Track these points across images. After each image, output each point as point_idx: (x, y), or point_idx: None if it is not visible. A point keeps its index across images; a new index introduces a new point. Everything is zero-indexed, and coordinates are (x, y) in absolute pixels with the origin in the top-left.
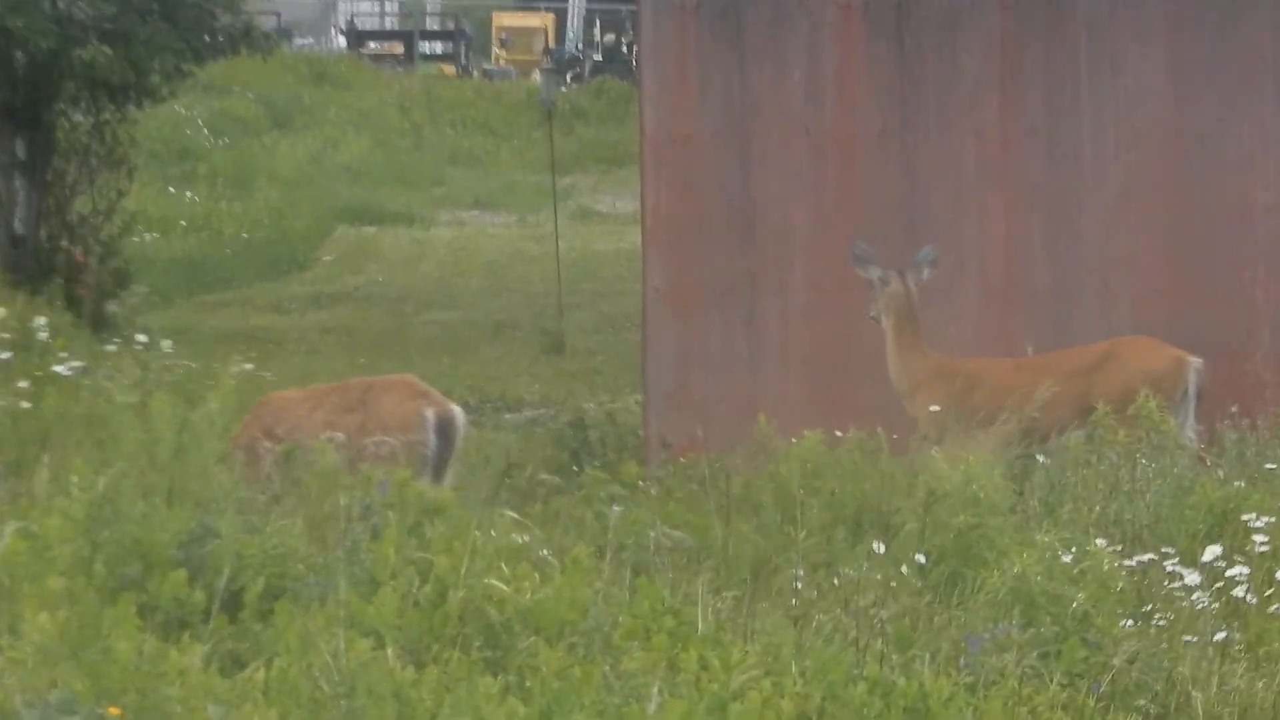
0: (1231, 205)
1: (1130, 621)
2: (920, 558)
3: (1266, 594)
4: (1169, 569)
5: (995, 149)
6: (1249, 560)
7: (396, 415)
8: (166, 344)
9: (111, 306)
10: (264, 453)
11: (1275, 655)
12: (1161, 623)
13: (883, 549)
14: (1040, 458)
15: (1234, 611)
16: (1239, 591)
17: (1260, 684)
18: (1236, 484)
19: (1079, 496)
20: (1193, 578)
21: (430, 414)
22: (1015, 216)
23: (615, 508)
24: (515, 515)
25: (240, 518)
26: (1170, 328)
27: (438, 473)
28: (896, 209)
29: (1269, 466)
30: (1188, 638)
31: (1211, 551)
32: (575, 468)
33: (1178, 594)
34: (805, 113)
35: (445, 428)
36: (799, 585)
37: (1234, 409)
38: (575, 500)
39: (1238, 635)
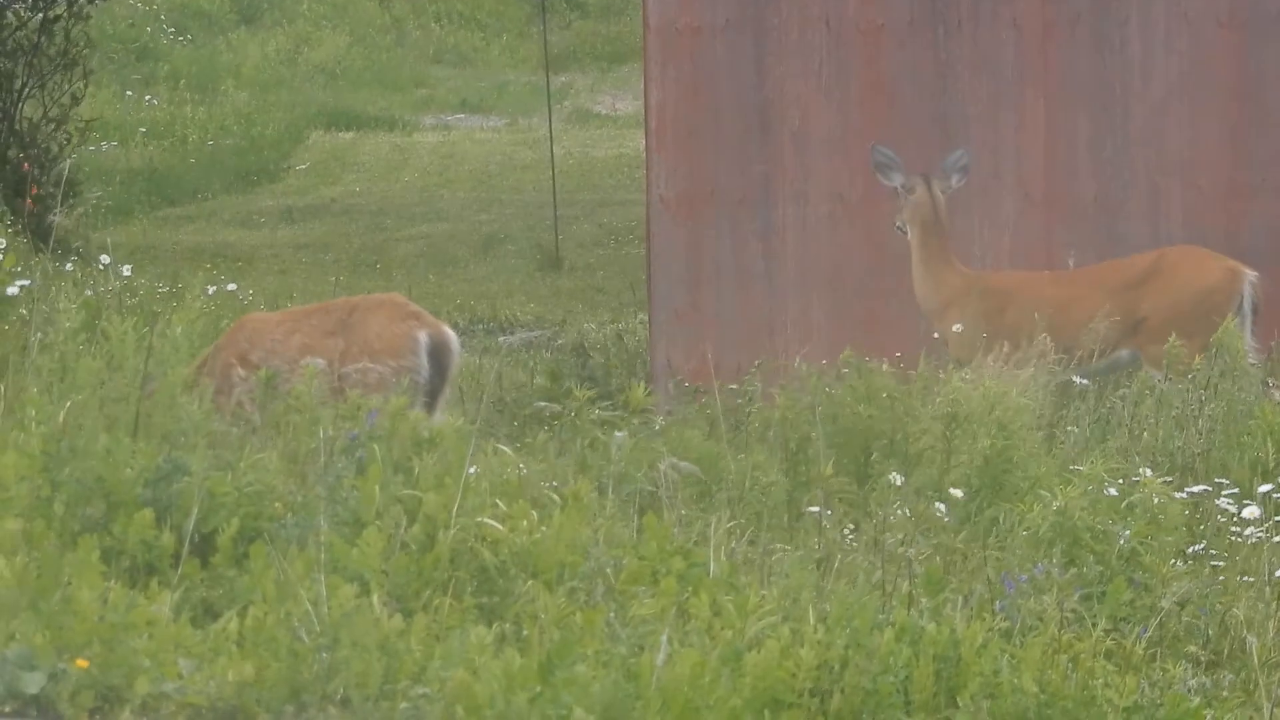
0: None
1: (1181, 560)
2: (957, 492)
3: None
4: (1223, 503)
5: (1035, 41)
6: None
7: (384, 338)
8: (125, 269)
9: (56, 218)
10: (237, 380)
11: None
12: (1216, 562)
13: (899, 480)
14: (1080, 380)
15: None
16: None
17: None
18: None
19: (1125, 422)
20: (1250, 511)
21: (423, 337)
22: (1057, 116)
23: (619, 434)
24: (509, 448)
25: (212, 453)
26: (1225, 237)
27: (430, 402)
28: (927, 109)
29: None
30: (1244, 577)
31: (1264, 488)
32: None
33: (1233, 529)
34: (826, 1)
35: (439, 352)
36: (824, 523)
37: None
38: (574, 429)
39: None
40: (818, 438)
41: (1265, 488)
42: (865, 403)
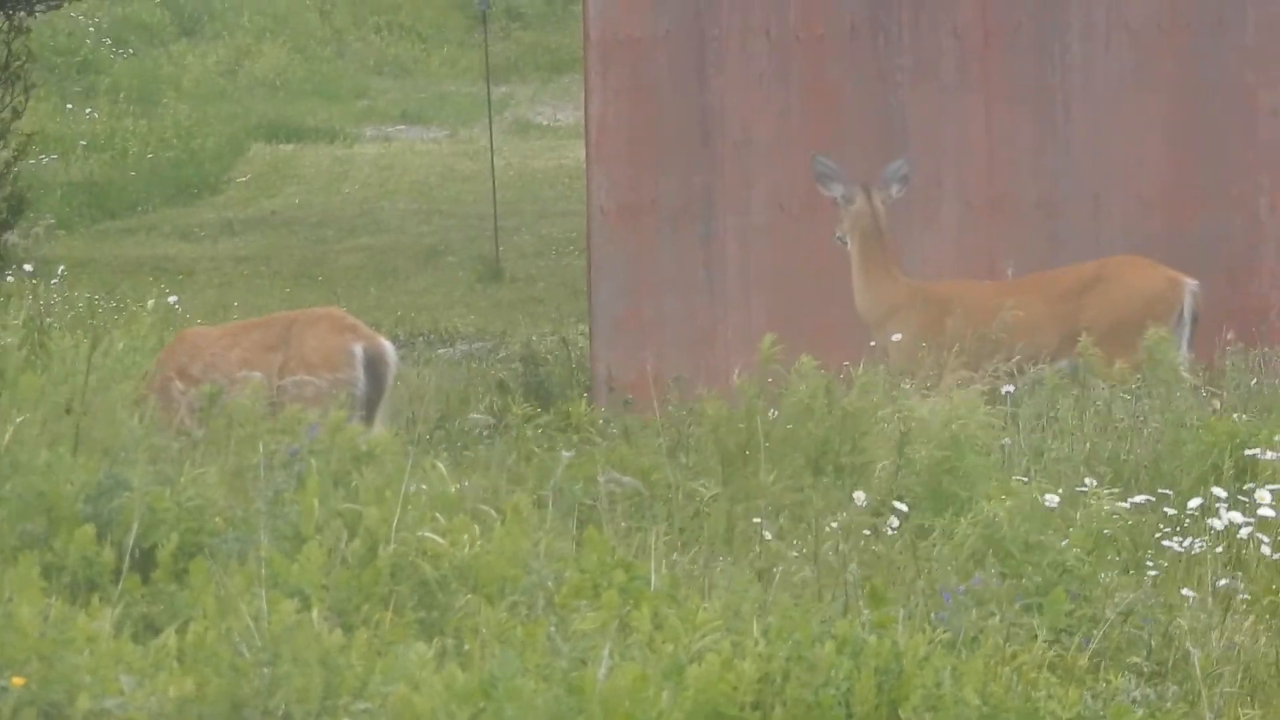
0: (1234, 107)
1: (1123, 571)
2: (901, 505)
3: (1276, 537)
4: (1167, 513)
5: (976, 49)
6: (1249, 509)
7: (321, 352)
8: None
9: (11, 237)
10: (177, 395)
11: None
12: (1157, 572)
13: (863, 499)
14: (1008, 388)
15: (1236, 560)
16: (1243, 534)
17: (1264, 639)
18: (1240, 417)
19: (1067, 433)
20: (1190, 518)
21: (358, 349)
22: (998, 123)
23: (565, 452)
24: (448, 462)
25: (153, 468)
26: (1167, 244)
27: (367, 415)
28: (868, 117)
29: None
30: (1186, 591)
31: (1213, 494)
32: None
33: (1175, 540)
34: (766, 11)
35: (375, 365)
36: (764, 535)
37: (1229, 335)
38: (513, 443)
39: (1241, 585)
40: (759, 448)
41: (1196, 502)
42: (815, 414)
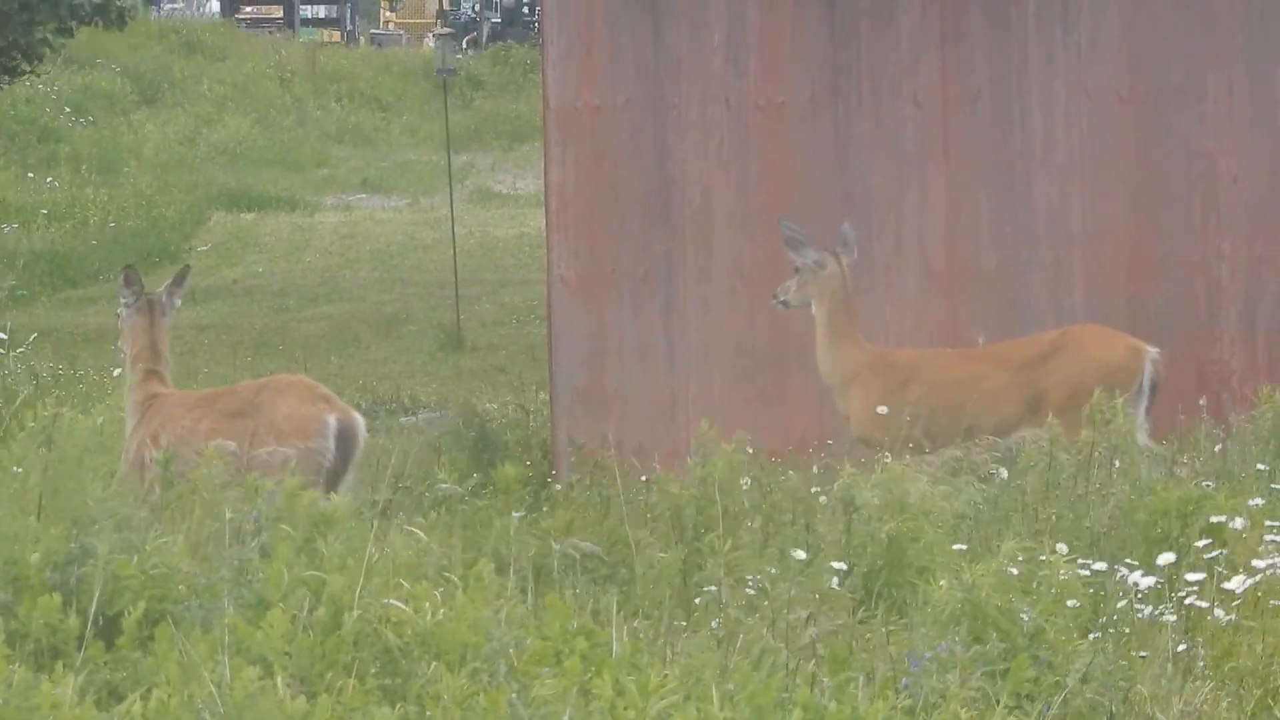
0: (1194, 175)
1: (1085, 637)
2: (841, 565)
3: (1234, 604)
4: (1126, 579)
5: (935, 117)
6: (1206, 567)
7: (294, 420)
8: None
9: None
10: (149, 461)
11: (1242, 672)
12: (1118, 638)
13: (803, 555)
14: (1003, 471)
15: (1197, 625)
16: (1195, 601)
17: (1225, 703)
18: (1200, 483)
19: (1029, 504)
20: (1148, 584)
21: (332, 420)
22: (958, 191)
23: (515, 515)
24: (413, 528)
25: (118, 536)
26: (1128, 310)
27: (331, 484)
28: (828, 186)
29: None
30: (1144, 654)
31: (1165, 558)
32: (475, 474)
33: (1136, 606)
34: (726, 79)
35: (346, 436)
36: (724, 602)
37: (1202, 401)
38: (472, 511)
39: (1201, 650)
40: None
41: (1161, 562)
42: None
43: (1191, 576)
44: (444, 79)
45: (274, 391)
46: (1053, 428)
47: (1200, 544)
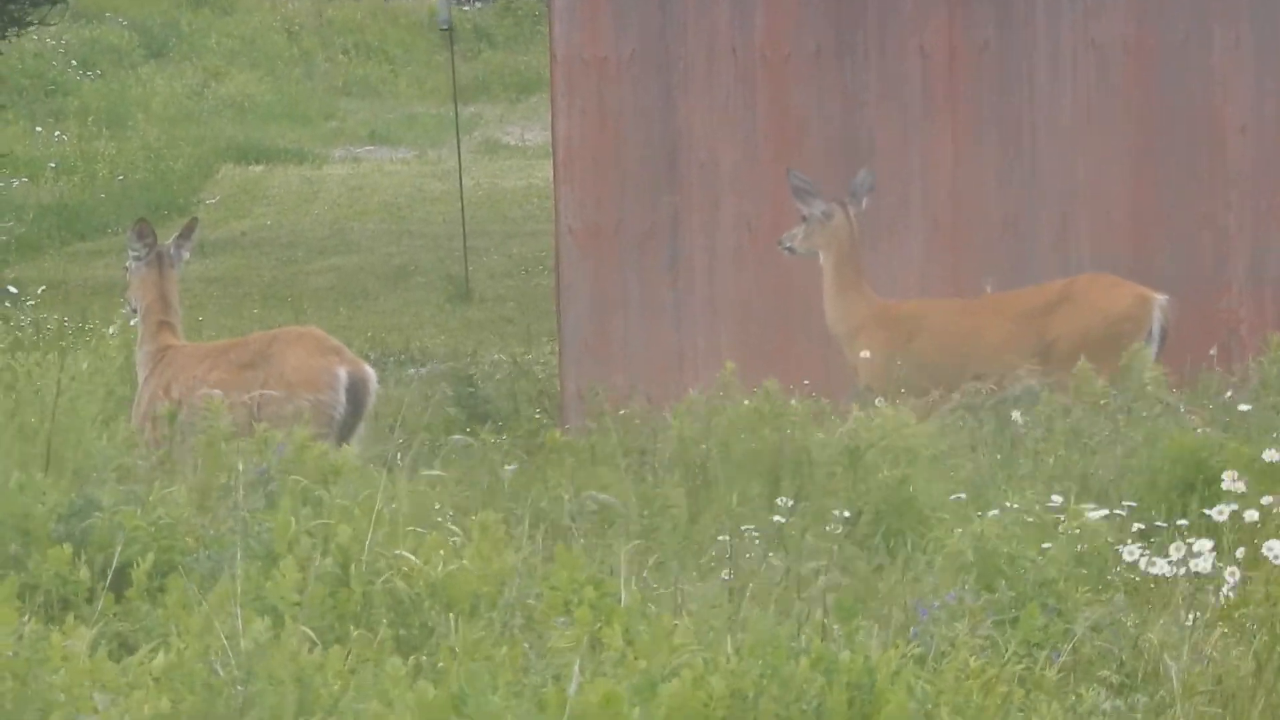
0: (1201, 127)
1: (1093, 587)
2: (844, 513)
3: (1239, 555)
4: (1138, 528)
5: (941, 69)
6: (1214, 530)
7: (303, 372)
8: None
9: None
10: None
11: (1253, 620)
12: (1127, 587)
13: (790, 503)
14: (1016, 416)
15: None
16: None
17: (1235, 652)
18: (1204, 431)
19: (1038, 451)
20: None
21: (342, 373)
22: (964, 144)
23: (509, 467)
24: (420, 480)
25: (124, 487)
26: (1135, 262)
27: (343, 436)
28: (834, 138)
29: (1244, 408)
30: (1149, 606)
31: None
32: (474, 427)
33: (1146, 556)
34: (732, 31)
35: (357, 388)
36: (731, 552)
37: (1213, 351)
38: (482, 462)
39: (1211, 599)
40: (716, 465)
41: (1182, 522)
42: (769, 429)
43: (1201, 544)
44: (445, 30)
45: (284, 343)
46: (1077, 376)
47: (1214, 510)
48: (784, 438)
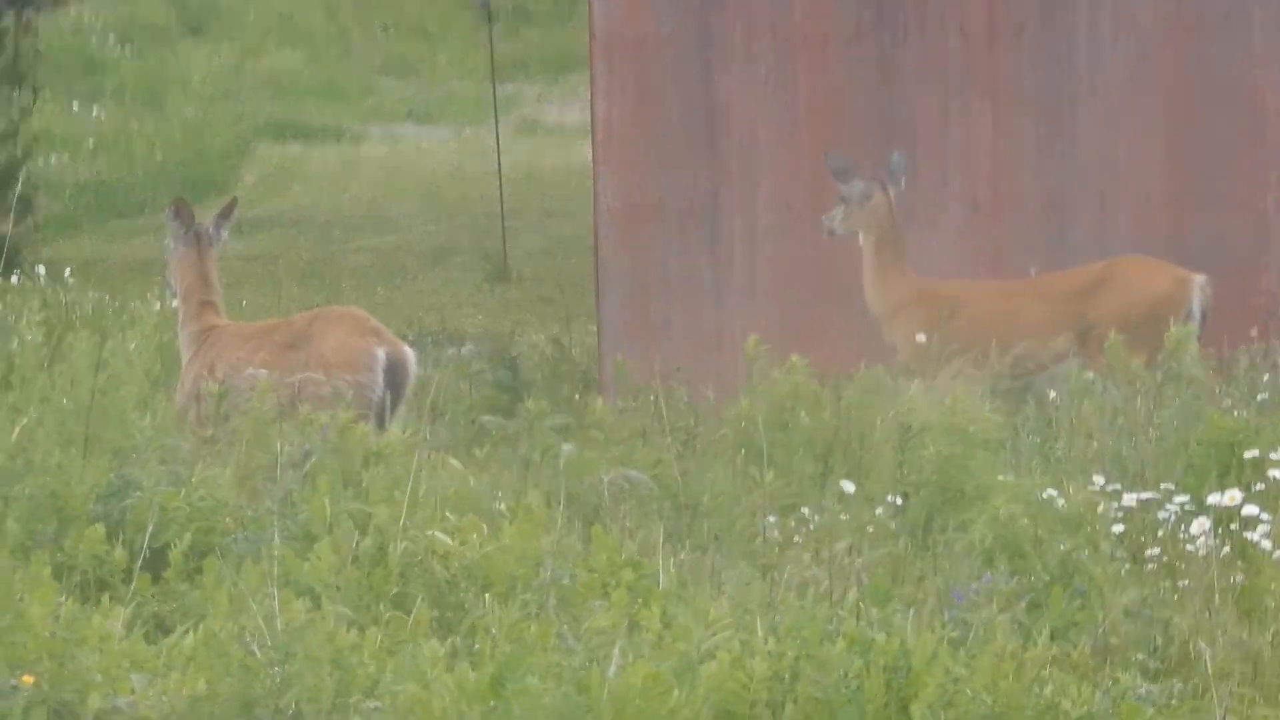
0: (1240, 107)
1: (1127, 567)
2: (896, 498)
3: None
4: (1172, 510)
5: (981, 48)
6: (1263, 500)
7: (342, 353)
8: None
9: (8, 228)
10: (205, 394)
11: None
12: (1159, 570)
13: (852, 488)
14: (1053, 393)
15: (1243, 557)
16: (1254, 536)
17: (1268, 636)
18: (1241, 414)
19: (1074, 431)
20: (1200, 522)
21: (381, 353)
22: (1004, 123)
23: (567, 446)
24: (458, 461)
25: (164, 468)
26: (1174, 243)
27: (381, 418)
28: (873, 117)
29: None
30: (1182, 582)
31: (1230, 495)
32: (516, 406)
33: (1181, 538)
34: (771, 10)
35: (396, 370)
36: (768, 533)
37: (1253, 332)
38: (523, 441)
39: (1243, 581)
40: (766, 445)
41: (1216, 499)
42: (821, 409)
43: (1249, 510)
44: (486, 7)
45: (325, 323)
46: (1110, 354)
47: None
48: (839, 417)
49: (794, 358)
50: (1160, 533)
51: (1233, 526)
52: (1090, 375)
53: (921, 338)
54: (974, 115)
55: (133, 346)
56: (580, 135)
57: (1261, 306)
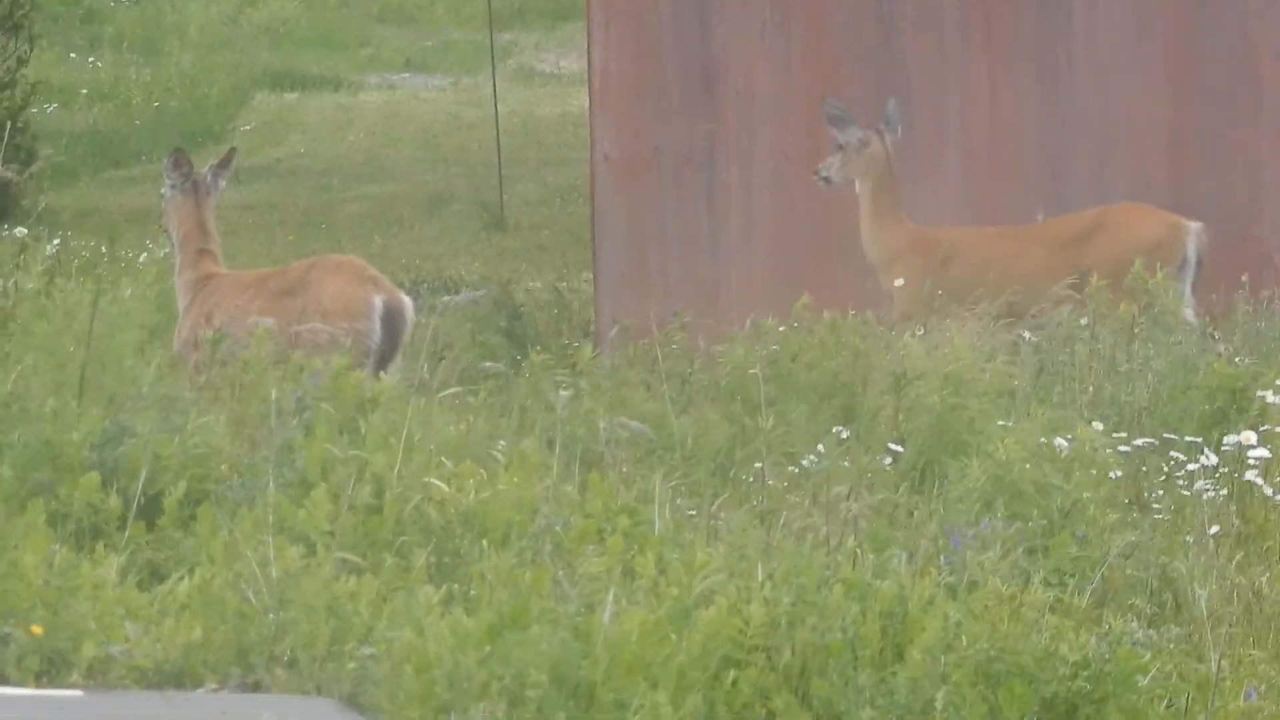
0: (1236, 57)
1: (1124, 515)
2: (896, 446)
3: (1277, 480)
4: (1171, 455)
5: None
6: (1266, 442)
7: (340, 300)
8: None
9: (11, 176)
10: (202, 341)
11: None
12: (1161, 515)
13: (845, 434)
14: (1027, 334)
15: (1239, 504)
16: (1252, 476)
17: (1263, 579)
18: (1243, 361)
19: (1071, 377)
20: (1205, 461)
21: (378, 301)
22: (1001, 74)
23: (563, 393)
24: (453, 407)
25: (159, 415)
26: (1171, 194)
27: (379, 366)
28: (870, 68)
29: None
30: (1186, 536)
31: (1231, 439)
32: (517, 354)
33: (1179, 482)
34: None
35: (393, 318)
36: (765, 479)
37: (1244, 278)
38: (520, 388)
39: (1239, 526)
40: (763, 392)
41: (1219, 443)
42: (825, 359)
43: (1255, 453)
44: None
45: (322, 271)
46: (1094, 299)
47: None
48: (844, 363)
49: (804, 297)
50: (1160, 477)
51: (1227, 469)
52: (1082, 320)
53: (900, 282)
54: (971, 65)
55: (128, 294)
56: (577, 84)
57: (1255, 253)
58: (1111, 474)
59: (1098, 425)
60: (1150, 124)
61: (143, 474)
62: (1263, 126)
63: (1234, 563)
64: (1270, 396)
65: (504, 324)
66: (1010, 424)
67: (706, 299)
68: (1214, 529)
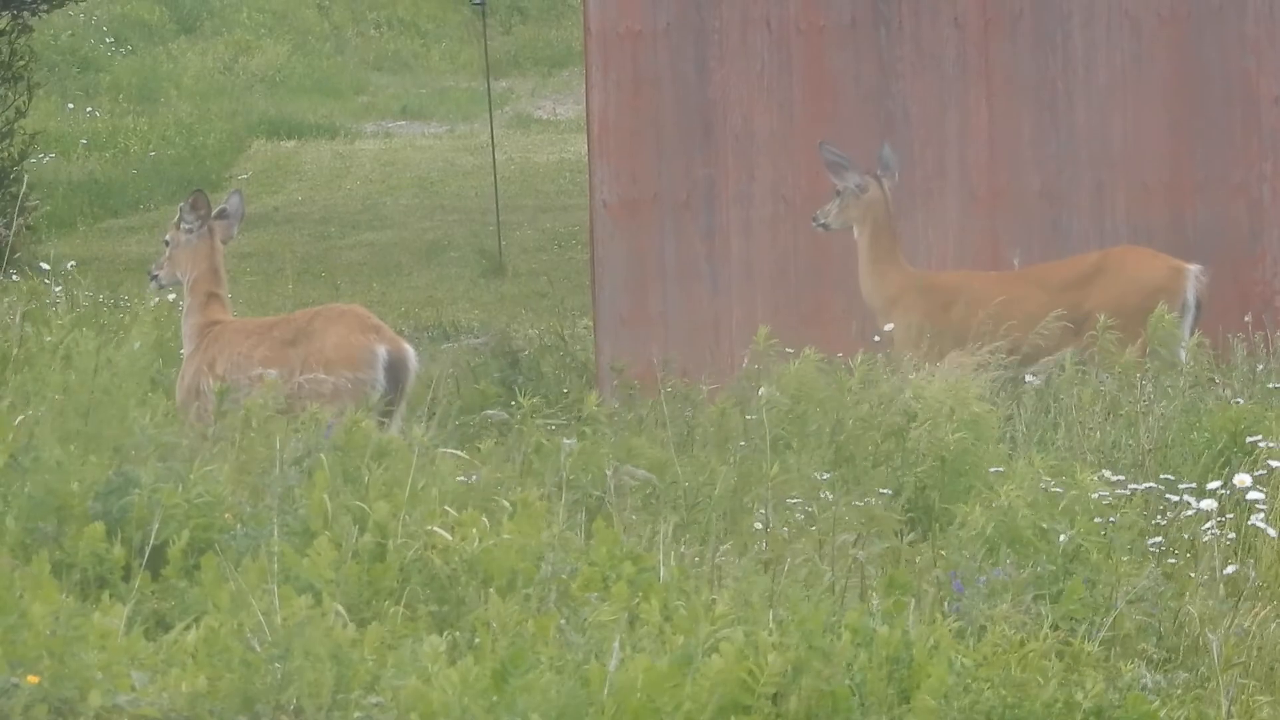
0: (1236, 95)
1: (1132, 558)
2: (887, 490)
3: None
4: (1174, 499)
5: (976, 39)
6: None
7: (343, 350)
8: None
9: (4, 230)
10: (206, 390)
11: None
12: (1174, 560)
13: (828, 477)
14: (1030, 378)
15: (1247, 547)
16: (1257, 520)
17: (1274, 625)
18: (1238, 401)
19: (1073, 421)
20: (1207, 504)
21: (382, 351)
22: (1000, 113)
23: (568, 441)
24: (459, 453)
25: (163, 465)
26: (1170, 232)
27: (383, 417)
28: (870, 109)
29: (1273, 386)
30: (1193, 574)
31: (1239, 479)
32: (514, 402)
33: (1184, 526)
34: (767, 2)
35: (396, 368)
36: (769, 525)
37: (1247, 319)
38: (522, 435)
39: (1252, 572)
40: (769, 437)
41: (1215, 484)
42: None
43: (1254, 495)
44: (481, 5)
45: (325, 320)
46: (1100, 344)
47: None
48: (842, 408)
49: (806, 350)
50: (1164, 521)
51: (1230, 515)
52: (1083, 365)
53: (890, 326)
54: (970, 106)
55: (137, 345)
56: (573, 130)
57: (1256, 295)
58: (1111, 518)
59: (1106, 474)
60: (1149, 162)
61: (153, 526)
62: (1263, 168)
63: (1243, 608)
64: (1262, 441)
65: (504, 370)
66: (1012, 468)
67: (707, 340)
68: (1230, 568)
